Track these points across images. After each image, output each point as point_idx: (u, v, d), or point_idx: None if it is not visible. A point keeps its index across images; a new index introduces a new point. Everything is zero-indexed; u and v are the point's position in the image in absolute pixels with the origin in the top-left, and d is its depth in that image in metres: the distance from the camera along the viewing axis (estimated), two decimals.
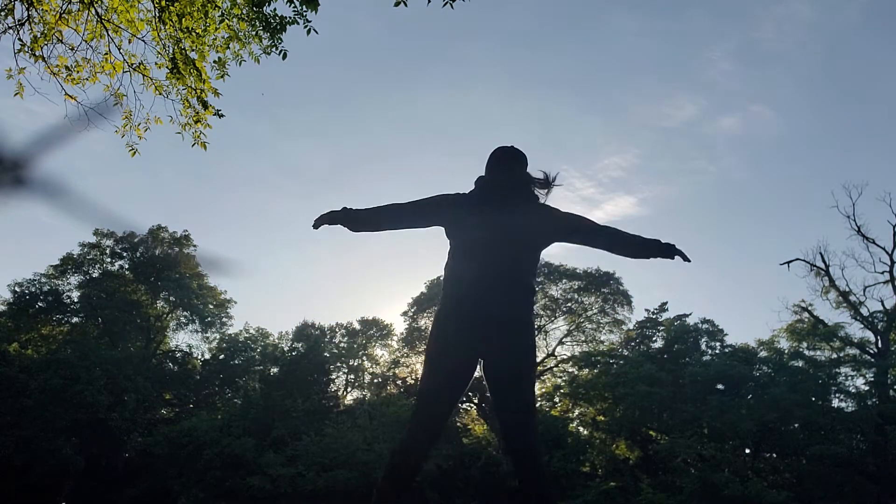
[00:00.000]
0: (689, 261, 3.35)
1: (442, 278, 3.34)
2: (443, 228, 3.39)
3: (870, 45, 53.47)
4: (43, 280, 36.45)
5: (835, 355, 28.72)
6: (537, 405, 3.20)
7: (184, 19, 6.72)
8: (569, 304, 34.96)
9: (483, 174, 3.45)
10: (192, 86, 7.02)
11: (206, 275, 38.24)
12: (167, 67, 6.95)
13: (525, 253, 3.23)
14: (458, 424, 29.80)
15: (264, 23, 6.88)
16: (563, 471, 26.24)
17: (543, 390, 32.82)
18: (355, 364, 37.13)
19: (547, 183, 3.38)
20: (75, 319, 36.85)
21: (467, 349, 3.08)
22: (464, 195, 3.38)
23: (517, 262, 3.19)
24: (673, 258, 3.32)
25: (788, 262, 30.59)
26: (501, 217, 3.22)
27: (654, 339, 33.33)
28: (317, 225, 3.39)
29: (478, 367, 3.19)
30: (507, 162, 3.39)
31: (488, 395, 3.23)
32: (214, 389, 38.30)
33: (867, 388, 27.00)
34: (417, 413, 3.13)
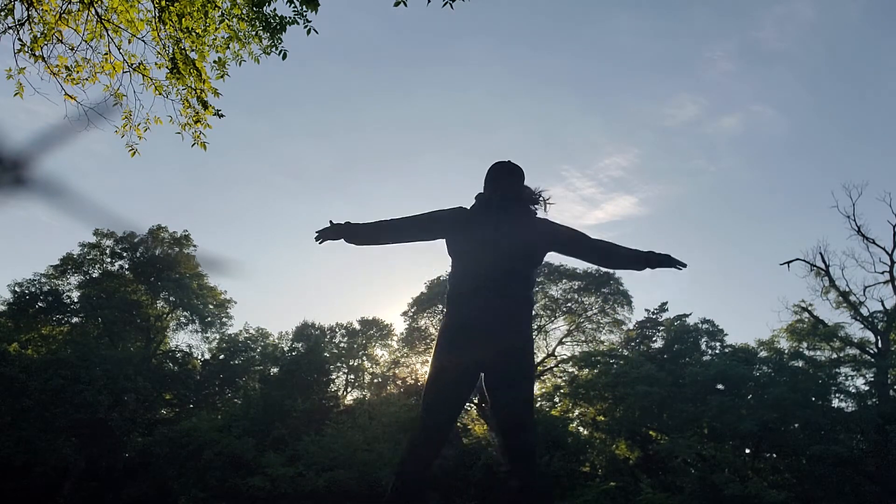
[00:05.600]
0: (684, 266, 3.42)
1: (445, 282, 3.40)
2: (444, 241, 3.46)
3: (871, 44, 53.50)
4: (43, 280, 36.44)
5: (835, 355, 28.71)
6: (537, 405, 3.25)
7: (184, 19, 6.71)
8: (569, 304, 34.95)
9: (482, 188, 3.53)
10: (192, 86, 7.01)
11: (206, 275, 38.26)
12: (167, 67, 6.95)
13: (522, 266, 3.30)
14: (459, 424, 29.80)
15: (264, 23, 6.88)
16: (563, 471, 26.22)
17: (543, 390, 32.80)
18: (355, 364, 37.12)
19: (539, 199, 3.47)
20: (75, 319, 36.83)
21: (468, 361, 3.14)
22: (463, 210, 3.46)
23: (515, 275, 3.25)
24: (670, 267, 3.40)
25: (788, 262, 30.63)
26: (499, 232, 3.29)
27: (654, 339, 33.33)
28: (320, 239, 3.45)
29: (479, 377, 3.24)
30: (504, 177, 3.47)
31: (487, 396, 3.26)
32: (214, 389, 38.28)
33: (867, 388, 26.99)
34: (423, 424, 3.19)
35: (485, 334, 3.11)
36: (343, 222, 3.44)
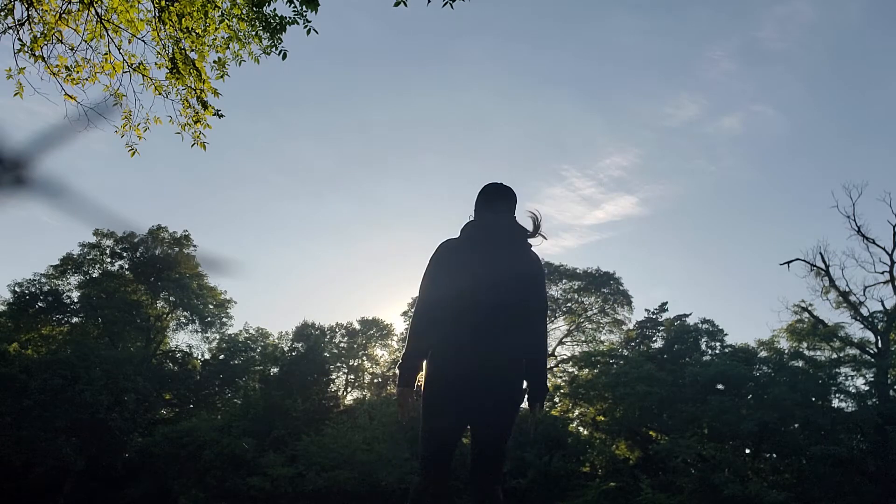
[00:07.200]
0: (538, 422, 3.48)
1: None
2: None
3: (871, 44, 53.48)
4: (43, 280, 36.46)
5: (835, 355, 28.70)
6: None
7: (184, 19, 6.72)
8: (569, 304, 34.98)
9: (474, 209, 3.39)
10: (192, 86, 7.02)
11: (206, 275, 38.27)
12: (167, 67, 6.95)
13: (518, 299, 3.17)
14: None
15: (264, 23, 6.88)
16: (562, 471, 26.22)
17: None
18: (355, 364, 37.14)
19: (535, 232, 3.31)
20: (75, 319, 36.85)
21: (458, 414, 3.12)
22: (457, 243, 3.25)
23: (508, 314, 3.13)
24: (532, 408, 3.25)
25: (788, 262, 30.60)
26: (491, 268, 3.16)
27: (654, 339, 33.34)
28: (404, 405, 3.15)
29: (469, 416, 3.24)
30: (496, 204, 3.32)
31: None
32: (214, 389, 38.30)
33: (867, 388, 26.98)
34: (426, 468, 3.13)
35: (471, 388, 3.03)
36: (400, 367, 3.15)
